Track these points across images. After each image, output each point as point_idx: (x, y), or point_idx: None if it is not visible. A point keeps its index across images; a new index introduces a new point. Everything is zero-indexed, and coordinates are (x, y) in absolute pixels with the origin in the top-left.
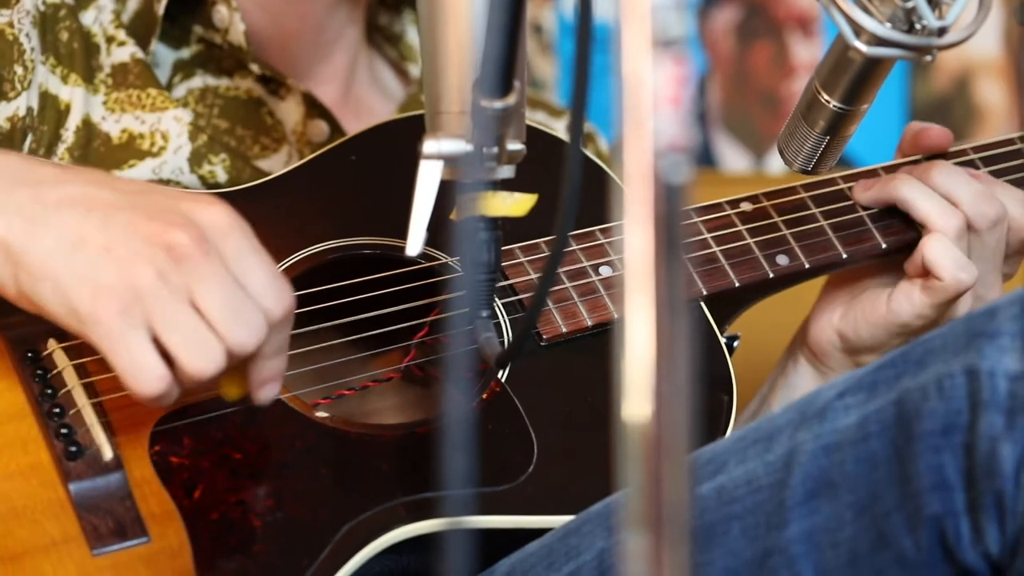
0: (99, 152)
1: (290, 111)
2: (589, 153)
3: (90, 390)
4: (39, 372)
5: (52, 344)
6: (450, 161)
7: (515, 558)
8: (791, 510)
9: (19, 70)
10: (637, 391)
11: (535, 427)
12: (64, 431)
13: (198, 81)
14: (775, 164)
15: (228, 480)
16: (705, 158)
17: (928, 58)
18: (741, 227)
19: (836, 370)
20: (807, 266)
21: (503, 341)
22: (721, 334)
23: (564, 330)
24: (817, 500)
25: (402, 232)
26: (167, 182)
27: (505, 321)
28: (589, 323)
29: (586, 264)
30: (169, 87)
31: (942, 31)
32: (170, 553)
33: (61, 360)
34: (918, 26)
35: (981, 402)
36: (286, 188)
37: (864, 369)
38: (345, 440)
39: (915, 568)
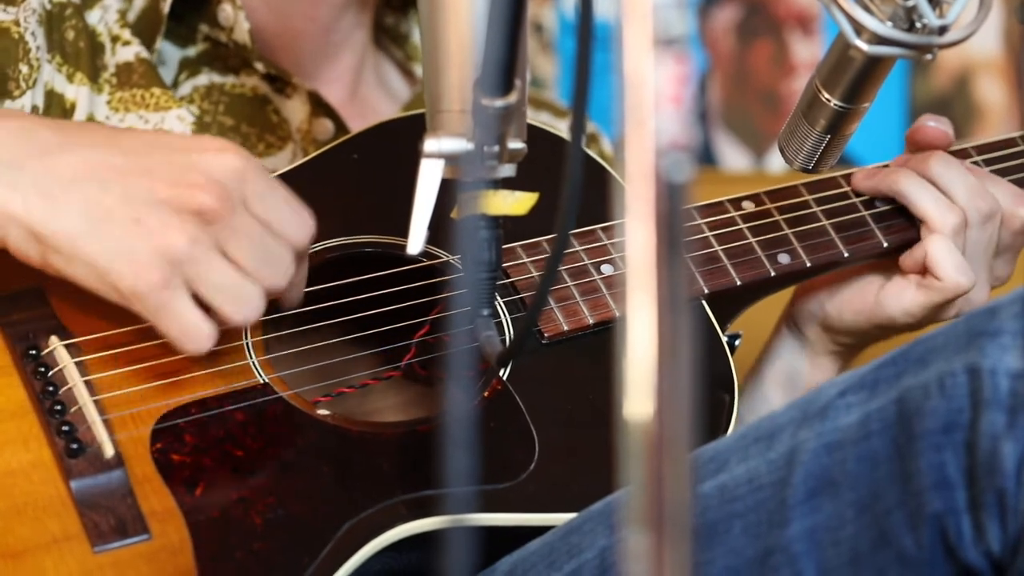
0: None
1: (295, 109)
2: (592, 153)
3: (91, 387)
4: (40, 369)
5: (54, 341)
6: (451, 160)
7: (516, 556)
8: (792, 508)
9: (24, 68)
10: (639, 389)
11: (536, 425)
12: (65, 428)
13: (204, 79)
14: (775, 163)
15: (229, 478)
16: (705, 157)
17: (929, 57)
18: (743, 226)
19: (812, 341)
20: (809, 265)
21: (504, 339)
22: (723, 333)
23: (566, 328)
24: (818, 498)
25: (404, 230)
26: None
27: (507, 319)
28: (591, 321)
29: (588, 263)
30: (175, 85)
31: (943, 30)
32: (171, 550)
33: (63, 357)
34: (919, 25)
35: (982, 400)
36: (289, 185)
37: (865, 367)
38: (346, 438)
39: (916, 566)
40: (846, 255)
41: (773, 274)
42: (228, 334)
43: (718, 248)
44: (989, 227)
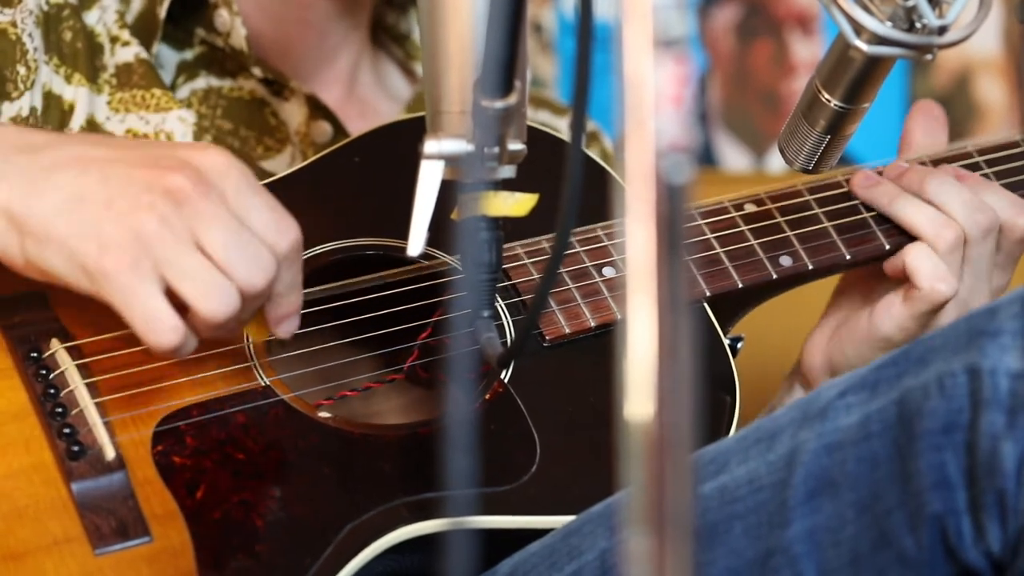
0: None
1: (293, 112)
2: (593, 153)
3: (93, 390)
4: (42, 372)
5: (55, 344)
6: (451, 161)
7: (517, 558)
8: (793, 509)
9: (22, 70)
10: (639, 391)
11: (538, 428)
12: (66, 431)
13: (202, 82)
14: (776, 163)
15: (231, 480)
16: (705, 157)
17: (928, 57)
18: (744, 228)
19: None
20: (810, 267)
21: (505, 341)
22: (724, 335)
23: (567, 331)
24: (819, 499)
25: (404, 232)
26: None
27: (508, 321)
28: (592, 324)
29: (589, 265)
30: (173, 88)
31: (942, 30)
32: (172, 553)
33: (64, 360)
34: (918, 25)
35: (982, 401)
36: (289, 189)
37: (865, 368)
38: (348, 440)
39: (917, 567)
40: (848, 257)
41: (775, 276)
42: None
43: (720, 250)
44: (989, 240)
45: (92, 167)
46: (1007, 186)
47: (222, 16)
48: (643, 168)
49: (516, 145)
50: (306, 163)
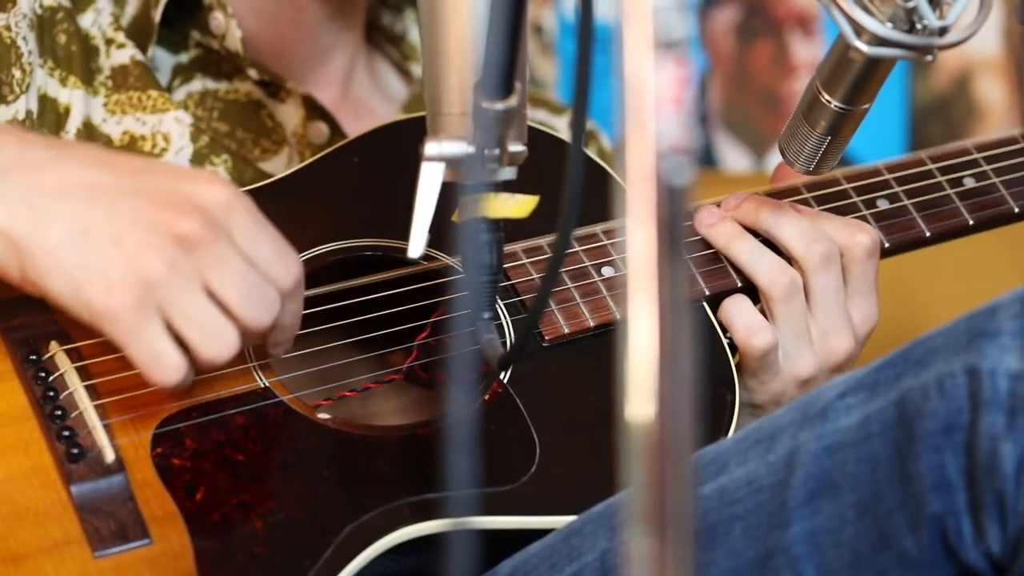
0: (89, 144)
1: (290, 114)
2: (591, 152)
3: (92, 392)
4: (41, 374)
5: (54, 346)
6: (452, 163)
7: (517, 559)
8: (793, 510)
9: (17, 73)
10: (640, 391)
11: (537, 428)
12: (66, 433)
13: (197, 85)
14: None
15: (230, 482)
16: (706, 158)
17: (929, 58)
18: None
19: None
20: None
21: (505, 342)
22: (724, 335)
23: (567, 331)
24: (819, 500)
25: (405, 234)
26: None
27: (508, 322)
28: (592, 324)
29: (588, 265)
30: (168, 91)
31: (943, 31)
32: (172, 555)
33: (63, 362)
34: (919, 26)
35: (982, 401)
36: (289, 189)
37: (865, 369)
38: (347, 441)
39: (917, 568)
40: None
41: None
42: None
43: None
44: (832, 269)
45: (99, 198)
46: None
47: (217, 19)
48: (643, 169)
49: (516, 147)
50: (306, 163)
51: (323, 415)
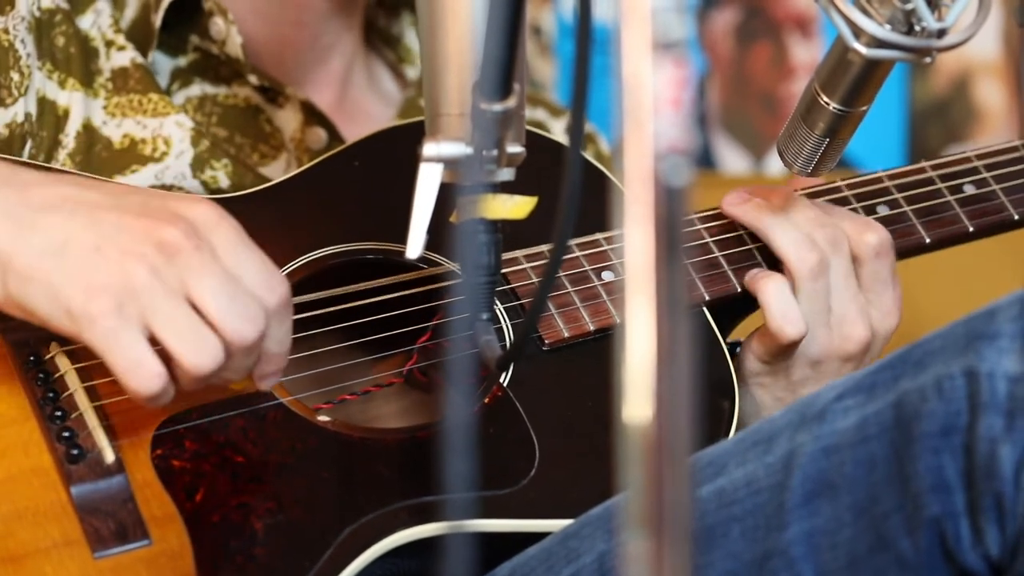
0: (101, 157)
1: (288, 119)
2: (589, 155)
3: (92, 393)
4: (41, 376)
5: (54, 348)
6: (450, 164)
7: (516, 561)
8: (791, 512)
9: (15, 76)
10: (638, 394)
11: (537, 431)
12: (66, 434)
13: (196, 89)
14: (774, 165)
15: (229, 483)
16: (704, 159)
17: (927, 60)
18: (743, 232)
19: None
20: None
21: (504, 344)
22: (724, 339)
23: (566, 335)
24: (817, 502)
25: (403, 236)
26: (169, 187)
27: (507, 325)
28: (591, 328)
29: (588, 269)
30: (167, 95)
31: (941, 33)
32: (171, 556)
33: (63, 364)
34: (917, 28)
35: (980, 404)
36: (288, 193)
37: (863, 371)
38: (346, 444)
39: (915, 569)
40: None
41: None
42: None
43: (718, 254)
44: (840, 256)
45: (81, 209)
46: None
47: (217, 24)
48: (642, 170)
49: (515, 148)
50: (305, 167)
51: (323, 418)
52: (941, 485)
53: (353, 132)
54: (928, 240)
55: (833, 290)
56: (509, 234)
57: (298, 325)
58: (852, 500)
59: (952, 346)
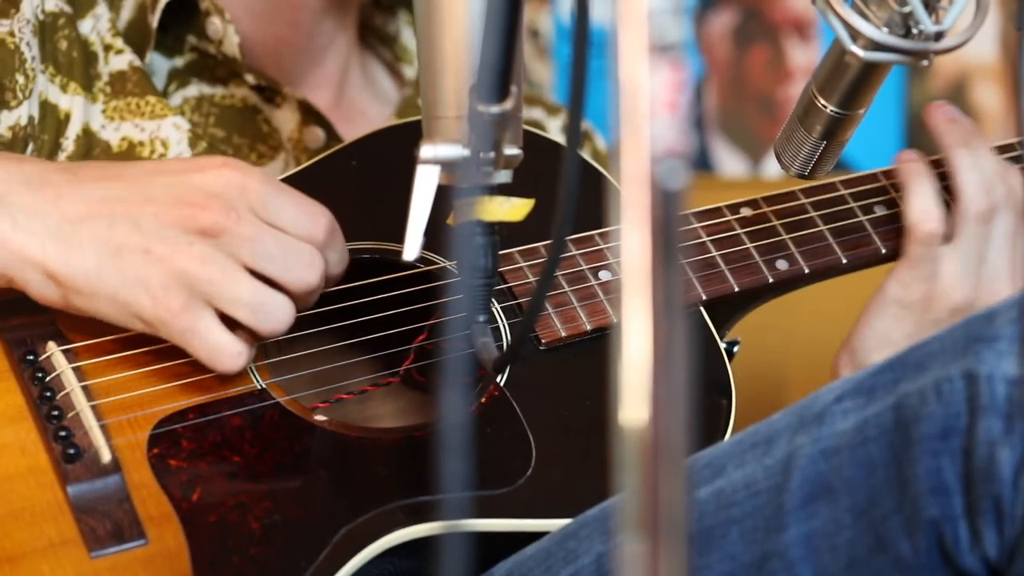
0: (99, 160)
1: (286, 118)
2: (586, 154)
3: (89, 393)
4: (38, 374)
5: (51, 347)
6: (447, 166)
7: (513, 561)
8: (789, 514)
9: (20, 79)
10: (634, 395)
11: (533, 431)
12: (63, 434)
13: (193, 90)
14: (772, 168)
15: (226, 483)
16: (701, 163)
17: (925, 63)
18: (740, 232)
19: None
20: (807, 271)
21: (501, 345)
22: (721, 339)
23: (563, 335)
24: (815, 504)
25: (400, 237)
26: None
27: (504, 325)
28: (588, 328)
29: (585, 268)
30: (164, 95)
31: (939, 36)
32: (168, 555)
33: (60, 363)
34: (915, 31)
35: (979, 406)
36: None
37: (862, 373)
38: (343, 443)
39: (913, 572)
40: (844, 261)
41: (771, 280)
42: None
43: (715, 254)
44: (1010, 212)
45: (118, 215)
46: None
47: (214, 24)
48: (639, 173)
49: (512, 150)
50: (303, 167)
51: (320, 417)
52: (940, 488)
53: (350, 131)
54: None
55: (994, 240)
56: (505, 233)
57: (295, 324)
58: (851, 502)
59: (951, 349)
